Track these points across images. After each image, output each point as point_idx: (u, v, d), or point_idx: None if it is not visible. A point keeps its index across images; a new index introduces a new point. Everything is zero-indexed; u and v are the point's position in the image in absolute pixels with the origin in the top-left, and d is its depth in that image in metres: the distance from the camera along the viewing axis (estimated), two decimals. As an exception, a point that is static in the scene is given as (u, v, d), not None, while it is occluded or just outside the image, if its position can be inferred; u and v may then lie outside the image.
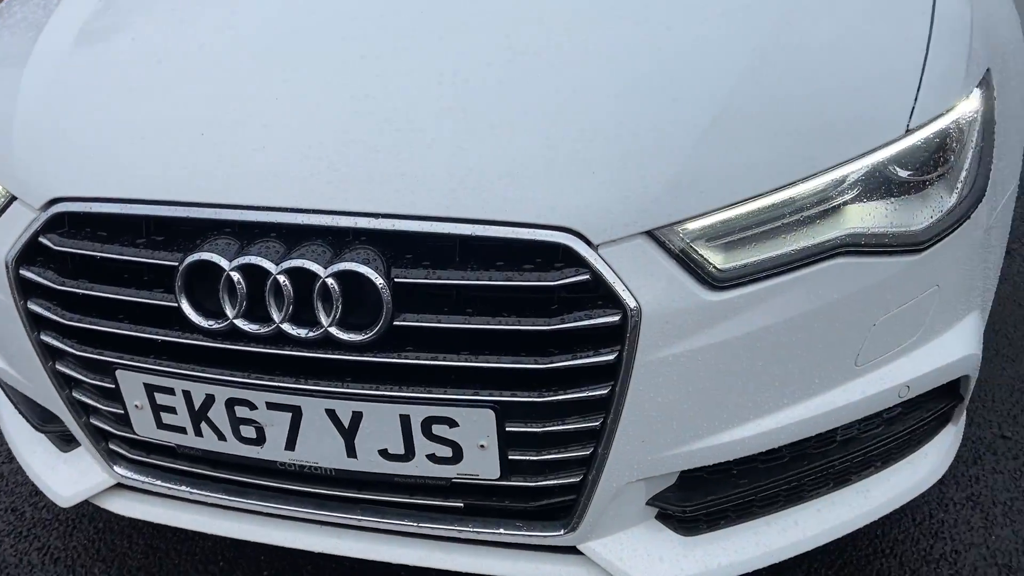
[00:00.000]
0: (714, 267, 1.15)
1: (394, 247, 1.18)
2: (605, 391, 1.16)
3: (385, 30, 1.35)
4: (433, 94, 1.23)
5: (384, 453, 1.24)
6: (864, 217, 1.20)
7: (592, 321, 1.13)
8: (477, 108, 1.21)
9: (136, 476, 1.44)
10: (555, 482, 1.25)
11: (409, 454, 1.23)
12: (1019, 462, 1.87)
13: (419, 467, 1.24)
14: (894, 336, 1.26)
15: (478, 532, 1.31)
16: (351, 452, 1.25)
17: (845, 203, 1.19)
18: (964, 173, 1.28)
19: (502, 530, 1.30)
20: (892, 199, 1.22)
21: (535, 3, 1.35)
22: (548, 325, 1.13)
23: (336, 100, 1.25)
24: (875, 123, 1.20)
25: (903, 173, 1.22)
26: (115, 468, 1.45)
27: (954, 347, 1.32)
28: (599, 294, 1.13)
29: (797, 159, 1.16)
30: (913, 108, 1.21)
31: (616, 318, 1.12)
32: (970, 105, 1.29)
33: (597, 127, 1.17)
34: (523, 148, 1.16)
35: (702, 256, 1.15)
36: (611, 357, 1.14)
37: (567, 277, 1.12)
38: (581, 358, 1.14)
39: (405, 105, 1.23)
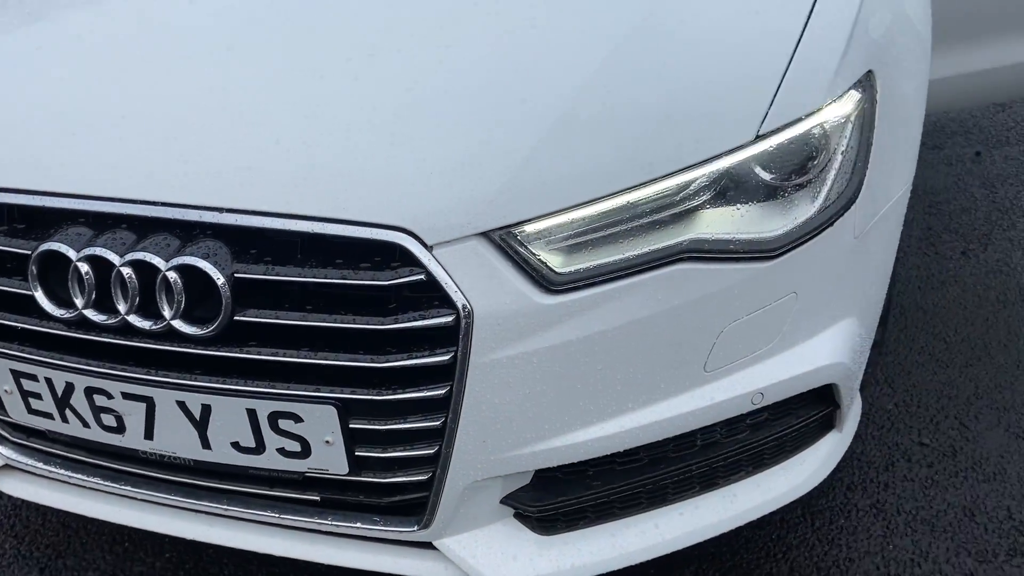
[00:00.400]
0: (551, 270, 1.14)
1: (240, 242, 1.19)
2: (443, 391, 1.16)
3: (251, 28, 1.35)
4: (288, 91, 1.24)
5: (237, 446, 1.26)
6: (712, 222, 1.19)
7: (426, 322, 1.13)
8: (329, 106, 1.21)
9: (19, 458, 1.47)
10: (405, 479, 1.25)
11: (260, 448, 1.25)
12: (932, 470, 1.85)
13: (271, 461, 1.26)
14: (746, 343, 1.25)
15: (336, 525, 1.32)
16: (205, 444, 1.27)
17: (693, 208, 1.18)
18: (831, 179, 1.26)
19: (359, 524, 1.31)
20: (747, 204, 1.21)
21: (400, 1, 1.35)
22: (382, 324, 1.13)
23: (193, 94, 1.26)
24: (724, 126, 1.18)
25: (765, 176, 1.21)
26: (1, 449, 1.48)
27: (816, 356, 1.30)
28: (435, 295, 1.13)
29: (638, 163, 1.15)
30: (768, 111, 1.20)
31: (449, 319, 1.12)
32: (840, 108, 1.26)
33: (441, 127, 1.17)
34: (367, 147, 1.16)
35: (539, 259, 1.14)
36: (446, 358, 1.14)
37: (401, 277, 1.12)
38: (417, 358, 1.15)
39: (259, 101, 1.23)
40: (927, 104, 1.56)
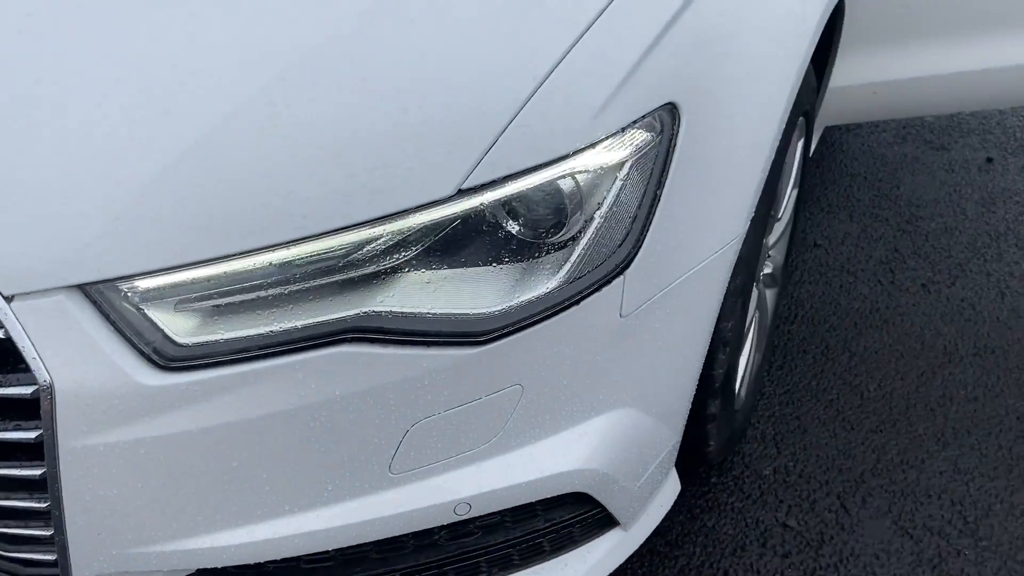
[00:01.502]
0: (171, 340, 0.89)
1: None
2: (38, 472, 0.94)
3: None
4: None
5: None
6: (399, 293, 0.92)
7: (2, 391, 0.90)
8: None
9: None
10: (37, 556, 1.04)
11: None
12: (785, 563, 1.56)
13: None
14: (449, 442, 0.98)
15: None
16: None
17: (364, 276, 0.91)
18: (582, 246, 0.97)
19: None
20: (463, 269, 0.93)
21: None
22: (-44, 388, 0.90)
23: None
24: (417, 176, 0.90)
25: (510, 231, 0.93)
26: None
27: (552, 460, 1.03)
28: (16, 358, 0.90)
29: (290, 215, 0.88)
30: (481, 159, 0.90)
31: (27, 391, 0.89)
32: (601, 156, 0.96)
33: (48, 165, 0.91)
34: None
35: (158, 324, 0.89)
36: (31, 435, 0.91)
37: (-27, 333, 0.89)
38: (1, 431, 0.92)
39: None
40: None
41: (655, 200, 1.01)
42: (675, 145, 1.03)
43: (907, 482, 1.70)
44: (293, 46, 0.95)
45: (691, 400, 1.25)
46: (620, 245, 1.00)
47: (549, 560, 1.18)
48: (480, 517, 1.07)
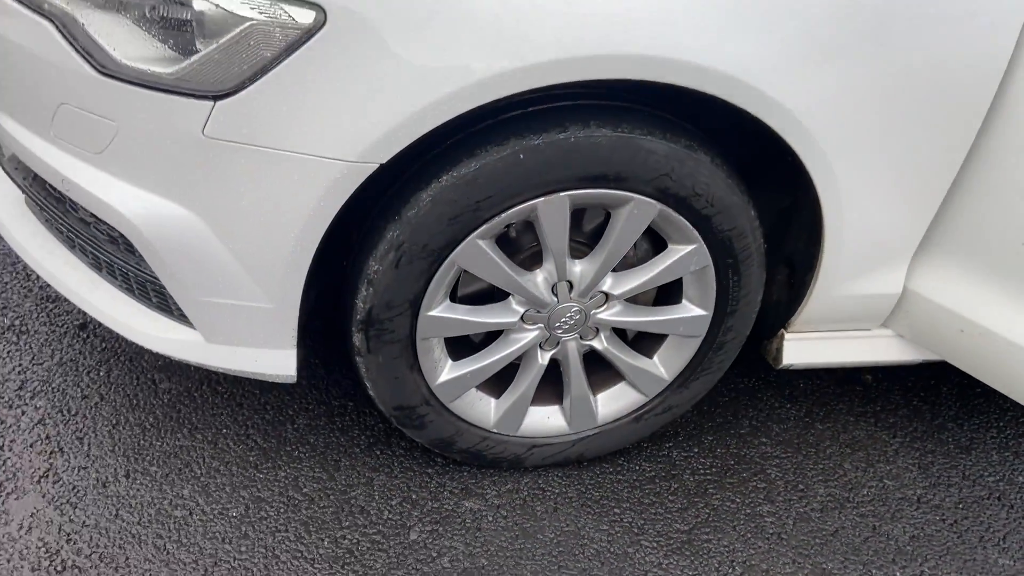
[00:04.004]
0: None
1: None
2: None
3: None
4: None
5: None
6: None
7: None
8: None
9: None
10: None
11: None
12: None
13: None
14: (77, 134, 1.37)
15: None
16: None
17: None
18: (195, 58, 1.25)
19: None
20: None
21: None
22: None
23: None
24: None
25: None
26: None
27: (112, 191, 1.38)
28: None
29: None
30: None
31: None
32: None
33: None
34: None
35: None
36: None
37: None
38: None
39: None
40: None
41: (267, 67, 1.22)
42: (310, 39, 1.21)
43: None
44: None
45: (299, 286, 1.40)
46: (230, 89, 1.23)
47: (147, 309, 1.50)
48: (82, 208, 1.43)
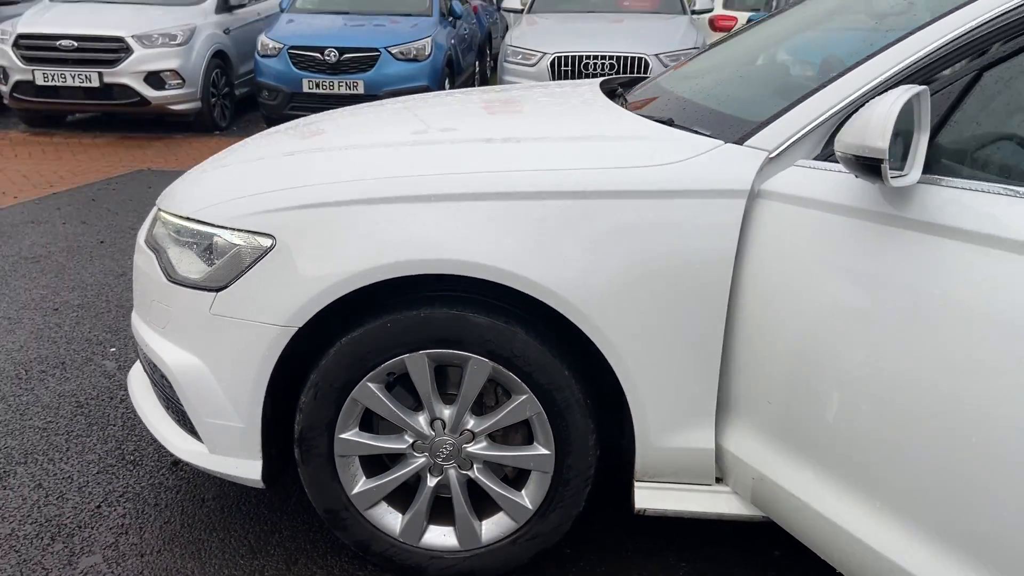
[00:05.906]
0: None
1: None
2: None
3: None
4: None
5: None
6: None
7: None
8: None
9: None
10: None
11: None
12: None
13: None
14: (148, 313, 2.31)
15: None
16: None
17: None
18: (211, 268, 2.20)
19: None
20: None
21: None
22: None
23: None
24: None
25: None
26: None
27: (161, 345, 2.25)
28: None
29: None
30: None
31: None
32: (237, 237, 2.17)
33: None
34: None
35: None
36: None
37: None
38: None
39: None
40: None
41: (244, 271, 2.12)
42: (265, 254, 2.11)
43: None
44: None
45: (259, 411, 2.17)
46: (225, 284, 2.14)
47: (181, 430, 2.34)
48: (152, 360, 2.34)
